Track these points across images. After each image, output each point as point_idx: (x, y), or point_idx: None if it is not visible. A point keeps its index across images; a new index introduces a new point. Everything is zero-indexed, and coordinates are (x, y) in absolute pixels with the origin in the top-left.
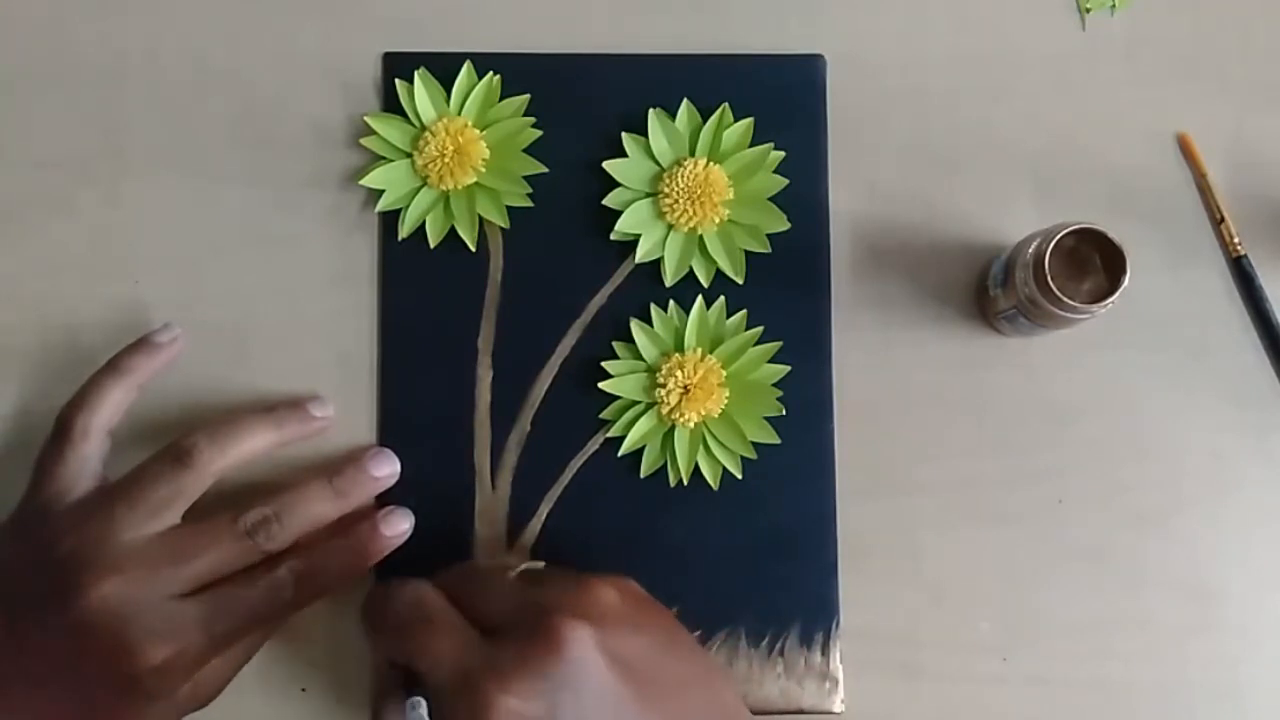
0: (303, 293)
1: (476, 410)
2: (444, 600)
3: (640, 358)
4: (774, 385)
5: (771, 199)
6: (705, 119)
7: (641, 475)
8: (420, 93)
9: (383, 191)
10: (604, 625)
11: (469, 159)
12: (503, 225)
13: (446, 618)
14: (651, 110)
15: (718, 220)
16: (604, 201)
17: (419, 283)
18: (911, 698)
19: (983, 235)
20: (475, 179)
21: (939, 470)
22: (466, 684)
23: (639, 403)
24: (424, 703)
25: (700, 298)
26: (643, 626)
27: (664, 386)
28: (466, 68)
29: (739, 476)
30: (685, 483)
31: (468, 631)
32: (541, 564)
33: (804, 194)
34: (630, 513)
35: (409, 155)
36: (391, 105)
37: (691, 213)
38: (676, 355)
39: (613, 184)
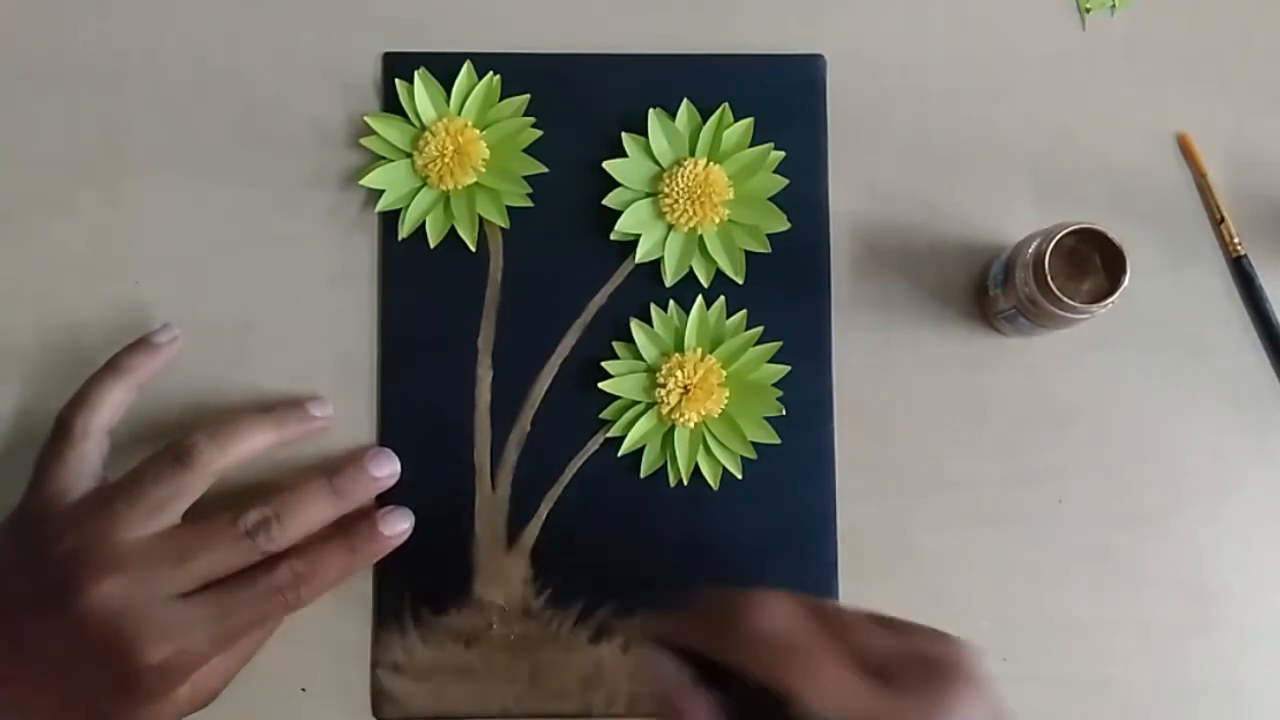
0: (303, 293)
1: (476, 410)
2: (816, 627)
3: (640, 358)
4: (774, 385)
5: (771, 199)
6: (705, 119)
7: (641, 475)
8: (420, 93)
9: (383, 191)
10: (985, 698)
11: (469, 159)
12: (503, 225)
13: (831, 647)
14: (651, 110)
15: (718, 220)
16: (604, 201)
17: (419, 283)
18: None
19: (983, 235)
20: (475, 179)
21: (939, 470)
22: None
23: (639, 403)
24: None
25: (700, 298)
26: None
27: (664, 386)
28: (466, 68)
29: (739, 476)
30: (685, 483)
31: (855, 668)
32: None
33: (804, 194)
34: (630, 513)
35: (409, 155)
36: (391, 105)
37: (691, 213)
38: (676, 355)
39: (613, 184)
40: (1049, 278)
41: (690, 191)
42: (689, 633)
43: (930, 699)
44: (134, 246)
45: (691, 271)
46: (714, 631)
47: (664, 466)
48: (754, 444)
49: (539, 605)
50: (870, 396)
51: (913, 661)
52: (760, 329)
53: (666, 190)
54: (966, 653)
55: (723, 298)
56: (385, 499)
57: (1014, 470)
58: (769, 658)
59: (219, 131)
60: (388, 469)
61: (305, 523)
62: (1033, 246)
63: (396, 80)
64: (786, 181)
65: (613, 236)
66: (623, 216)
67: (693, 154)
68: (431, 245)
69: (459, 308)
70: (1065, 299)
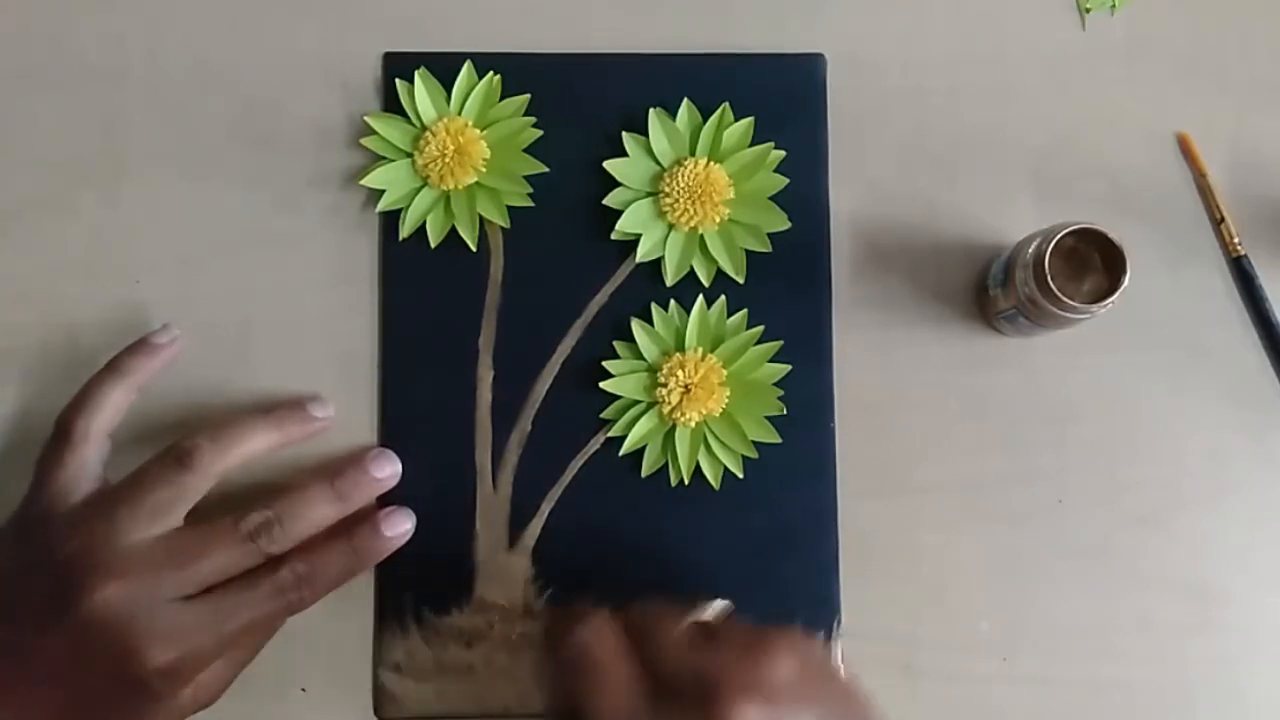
0: (303, 293)
1: (477, 410)
2: (620, 647)
3: (641, 357)
4: (774, 384)
5: (772, 198)
6: (706, 118)
7: (642, 475)
8: (420, 93)
9: (383, 191)
10: (775, 703)
11: (469, 159)
12: (503, 225)
13: (618, 669)
14: (652, 110)
15: (718, 219)
16: (604, 201)
17: (419, 283)
18: (912, 697)
19: (983, 235)
20: (476, 179)
21: (939, 470)
22: None
23: (640, 402)
24: None
25: (701, 297)
26: (816, 701)
27: (665, 386)
28: (467, 68)
29: (740, 476)
30: (686, 482)
31: (636, 690)
32: (725, 604)
33: (804, 193)
34: (631, 513)
35: (409, 155)
36: (392, 105)
37: (692, 212)
38: (677, 355)
39: (613, 183)
40: (1049, 278)
41: (691, 191)
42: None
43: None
44: (134, 246)
45: (692, 271)
46: (550, 647)
47: (665, 466)
48: (755, 443)
49: (541, 605)
50: (870, 396)
51: (693, 680)
52: (761, 328)
53: (667, 190)
54: (764, 663)
55: (723, 297)
56: (387, 499)
57: (1014, 470)
58: (569, 678)
59: (219, 131)
60: (389, 470)
61: (307, 524)
62: (1033, 246)
63: (397, 80)
64: (787, 181)
65: (613, 236)
66: (623, 216)
67: (693, 153)
68: (432, 245)
69: (460, 308)
70: (1065, 299)
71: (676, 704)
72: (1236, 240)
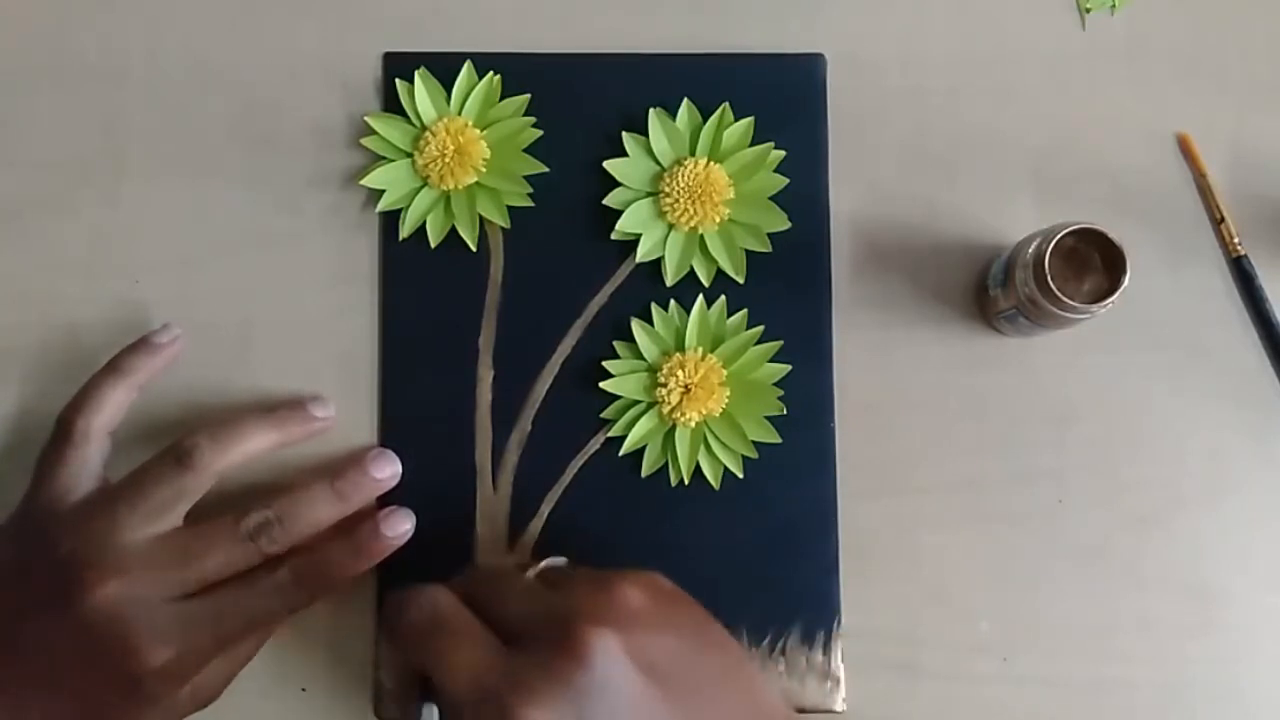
0: (303, 293)
1: (477, 410)
2: (461, 607)
3: (641, 357)
4: (775, 384)
5: (772, 198)
6: (705, 118)
7: (642, 475)
8: (420, 93)
9: (383, 191)
10: (631, 629)
11: (469, 159)
12: (503, 225)
13: (463, 626)
14: (652, 110)
15: (718, 219)
16: (604, 201)
17: (419, 283)
18: (912, 697)
19: (983, 235)
20: (476, 179)
21: (939, 470)
22: (486, 697)
23: (640, 402)
24: (435, 710)
25: (701, 297)
26: (672, 625)
27: (665, 386)
28: (467, 68)
29: (740, 476)
30: (686, 482)
31: (486, 640)
32: (563, 561)
33: (804, 193)
34: (631, 513)
35: (409, 155)
36: (392, 105)
37: (692, 212)
38: (677, 355)
39: (613, 183)
40: (1049, 278)
41: (691, 191)
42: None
43: (549, 654)
44: (134, 246)
45: (692, 271)
46: (389, 631)
47: (665, 466)
48: (755, 443)
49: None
50: (870, 396)
51: (548, 619)
52: (761, 328)
53: (667, 190)
54: (613, 595)
55: (723, 297)
56: (386, 499)
57: (1014, 470)
58: (415, 646)
59: (219, 132)
60: (389, 470)
61: (307, 524)
62: (1033, 246)
63: (397, 80)
64: (787, 181)
65: (613, 236)
66: (623, 216)
67: (693, 153)
68: (432, 245)
69: (460, 308)
70: (1065, 299)
71: (532, 646)
72: (1236, 240)
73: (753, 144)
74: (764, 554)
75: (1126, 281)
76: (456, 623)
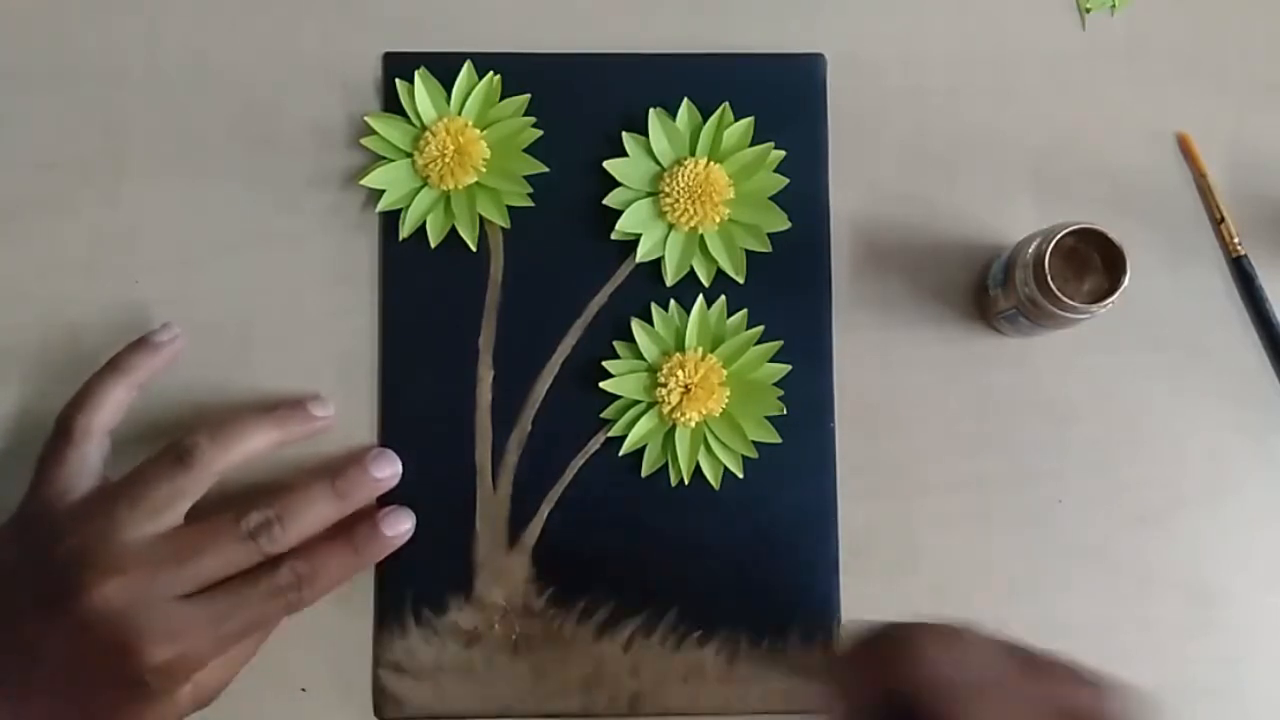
0: (303, 293)
1: (477, 410)
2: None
3: (641, 357)
4: (774, 384)
5: (772, 198)
6: (706, 118)
7: (642, 475)
8: (420, 93)
9: (383, 191)
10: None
11: (469, 159)
12: (503, 225)
13: (1031, 697)
14: (652, 110)
15: (718, 219)
16: (604, 201)
17: (419, 283)
18: None
19: (983, 235)
20: (476, 179)
21: (939, 470)
22: None
23: (640, 402)
24: None
25: (701, 297)
26: None
27: (665, 386)
28: (467, 68)
29: (740, 476)
30: (686, 482)
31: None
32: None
33: (804, 193)
34: (631, 513)
35: (409, 155)
36: (392, 105)
37: (692, 212)
38: (677, 355)
39: (613, 183)
40: (1049, 278)
41: (691, 191)
42: (865, 666)
43: None
44: (134, 246)
45: (692, 271)
46: (892, 664)
47: (665, 466)
48: (755, 443)
49: (540, 604)
50: (870, 396)
51: None
52: (761, 328)
53: (667, 190)
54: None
55: (723, 297)
56: (387, 499)
57: (1014, 470)
58: (950, 697)
59: (219, 131)
60: (389, 469)
61: (307, 524)
62: (1033, 246)
63: (397, 80)
64: (787, 181)
65: (613, 236)
66: (623, 216)
67: (693, 153)
68: (432, 245)
69: (459, 308)
70: (1065, 299)
71: None
72: (1236, 240)
73: (753, 144)
74: (764, 554)
75: (1126, 281)
76: (1020, 690)
